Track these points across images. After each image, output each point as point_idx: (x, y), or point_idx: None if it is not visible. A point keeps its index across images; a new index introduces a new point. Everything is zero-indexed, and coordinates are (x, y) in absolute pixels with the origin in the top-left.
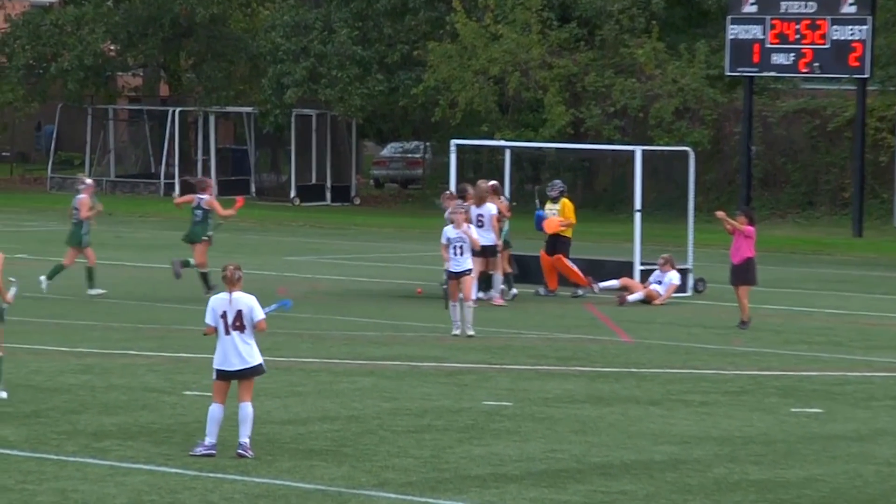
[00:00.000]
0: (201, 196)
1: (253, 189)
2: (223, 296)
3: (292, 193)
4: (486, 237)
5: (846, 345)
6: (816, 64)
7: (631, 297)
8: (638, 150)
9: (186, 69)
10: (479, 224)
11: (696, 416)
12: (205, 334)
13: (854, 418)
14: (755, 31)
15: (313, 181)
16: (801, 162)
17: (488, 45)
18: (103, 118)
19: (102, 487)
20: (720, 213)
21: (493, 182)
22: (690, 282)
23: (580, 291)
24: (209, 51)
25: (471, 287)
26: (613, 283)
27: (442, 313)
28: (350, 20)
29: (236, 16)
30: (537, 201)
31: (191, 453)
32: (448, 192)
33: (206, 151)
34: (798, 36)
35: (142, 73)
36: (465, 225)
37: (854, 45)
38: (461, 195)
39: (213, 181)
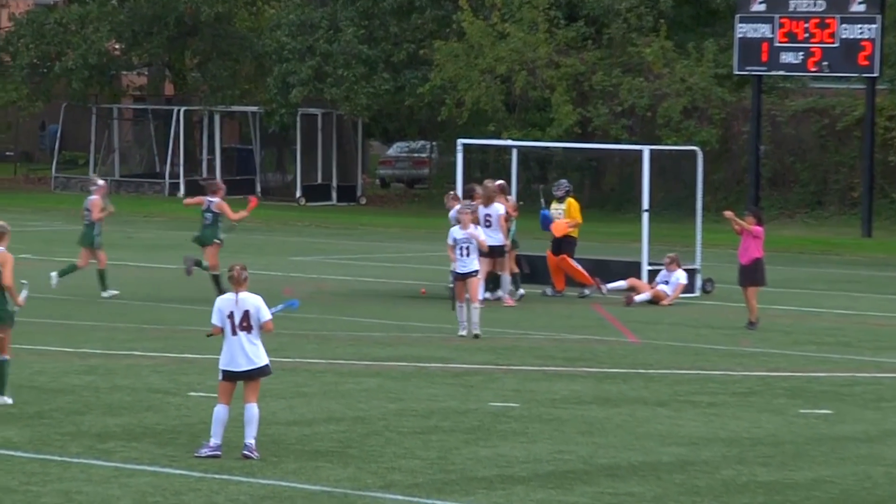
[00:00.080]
0: (211, 199)
1: (258, 189)
2: (229, 296)
3: (298, 193)
4: (493, 237)
5: (855, 345)
6: (825, 63)
7: (638, 298)
8: (646, 150)
9: (191, 68)
10: (487, 224)
11: (705, 417)
12: (208, 336)
13: (863, 419)
14: (764, 30)
15: (319, 181)
16: (809, 161)
17: (495, 43)
18: (108, 117)
19: (107, 489)
20: (728, 213)
21: (499, 181)
22: (698, 282)
23: (587, 291)
24: (214, 50)
25: (477, 288)
26: (621, 283)
27: (448, 314)
28: (356, 19)
29: (241, 14)
30: (542, 201)
31: (196, 454)
32: (452, 192)
33: (212, 151)
34: (807, 35)
35: (146, 72)
36: (471, 226)
37: (863, 43)
38: (469, 195)
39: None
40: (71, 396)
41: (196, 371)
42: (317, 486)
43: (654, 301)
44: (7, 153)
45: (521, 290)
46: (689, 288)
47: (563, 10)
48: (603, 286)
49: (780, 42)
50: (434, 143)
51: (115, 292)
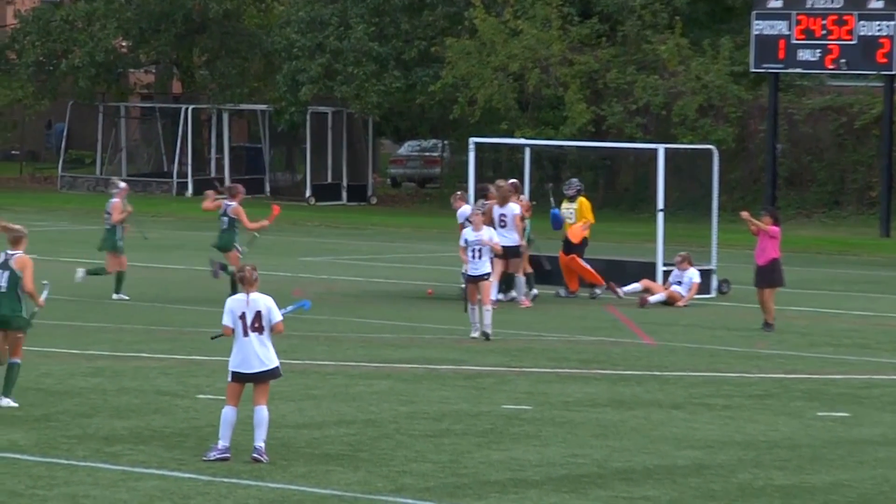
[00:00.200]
0: (229, 203)
1: (267, 188)
2: (241, 297)
3: (307, 193)
4: (508, 237)
5: (873, 347)
6: (843, 60)
7: (652, 299)
8: (661, 149)
9: (200, 66)
10: (502, 224)
11: (720, 420)
12: (212, 338)
13: (881, 422)
14: (780, 27)
15: (329, 180)
16: (827, 160)
17: (508, 40)
18: (115, 116)
19: (114, 493)
20: (745, 214)
21: (512, 180)
22: (714, 283)
23: (598, 291)
24: (223, 47)
25: (489, 291)
26: (636, 286)
27: (460, 315)
28: (366, 16)
29: (250, 11)
30: (552, 200)
31: (204, 458)
32: (458, 192)
33: (220, 150)
34: (824, 32)
35: (154, 70)
36: (483, 228)
37: (881, 40)
38: (482, 194)
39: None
40: (78, 399)
41: (204, 373)
42: (327, 490)
43: (669, 302)
44: (13, 152)
45: (535, 290)
46: (704, 289)
47: (577, 6)
48: (619, 290)
49: (798, 39)
50: (446, 142)
51: (126, 298)
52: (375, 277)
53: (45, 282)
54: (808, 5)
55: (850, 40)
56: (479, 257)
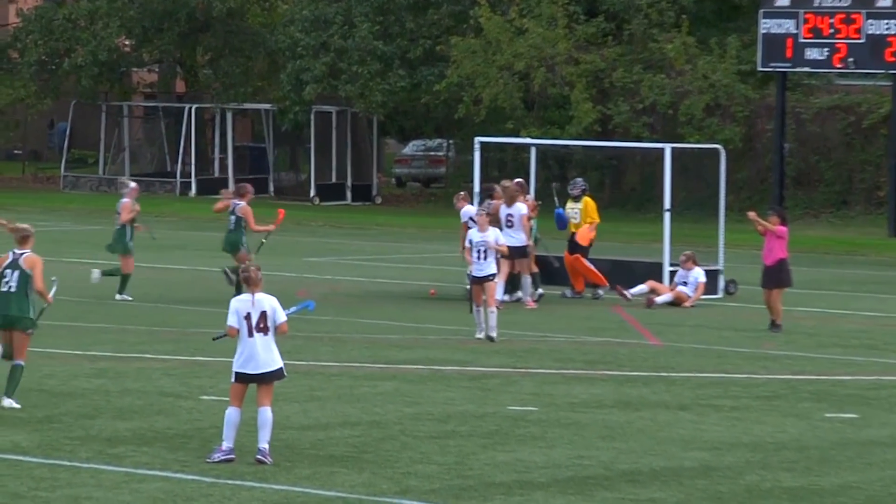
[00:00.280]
0: (237, 202)
1: (271, 188)
2: (246, 297)
3: (312, 192)
4: (516, 237)
5: (881, 348)
6: (851, 59)
7: (659, 299)
8: (667, 148)
9: (203, 65)
10: (510, 224)
11: (728, 421)
12: (214, 339)
13: (890, 423)
14: (788, 26)
15: (333, 180)
16: (835, 160)
17: (513, 39)
18: (118, 115)
19: (117, 495)
20: (752, 215)
21: (518, 180)
22: (721, 283)
23: (600, 292)
24: (226, 46)
25: (494, 292)
26: (642, 288)
27: (465, 316)
28: (371, 14)
29: (254, 10)
30: (556, 199)
31: (207, 459)
32: (462, 193)
33: (224, 149)
34: (832, 30)
35: (157, 69)
36: (488, 230)
37: (890, 39)
38: (488, 194)
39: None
40: (80, 400)
41: (208, 374)
42: (331, 492)
43: (676, 303)
44: (15, 152)
45: (540, 290)
46: (711, 289)
47: (583, 5)
48: (626, 292)
49: (805, 38)
50: (451, 142)
51: (129, 299)
52: (380, 278)
53: (53, 278)
54: (816, 4)
55: (858, 39)
56: (485, 258)
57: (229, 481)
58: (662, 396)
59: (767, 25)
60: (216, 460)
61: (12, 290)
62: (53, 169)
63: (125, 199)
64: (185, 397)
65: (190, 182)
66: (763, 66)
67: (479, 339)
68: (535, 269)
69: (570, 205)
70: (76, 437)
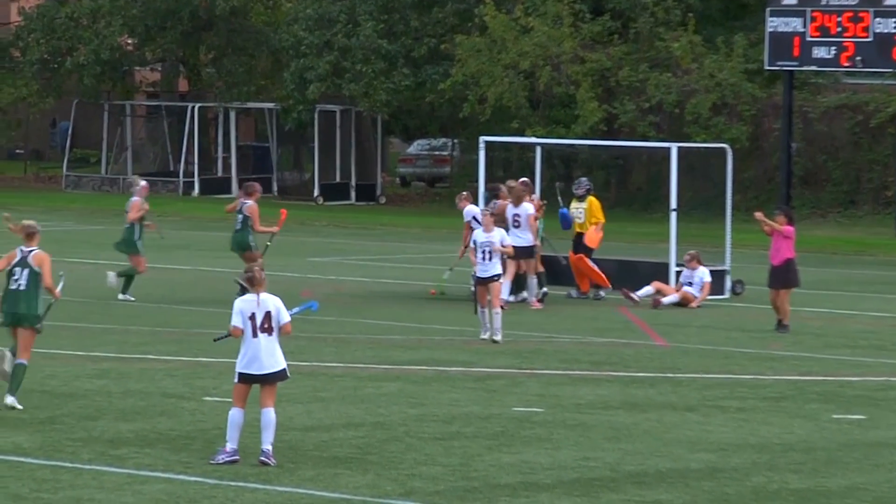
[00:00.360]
0: (245, 201)
1: (275, 188)
2: (250, 297)
3: (315, 192)
4: (522, 237)
5: (889, 349)
6: (858, 58)
7: (665, 300)
8: (674, 148)
9: (206, 64)
10: (516, 224)
11: (734, 422)
12: (215, 340)
13: None
14: (795, 24)
15: (337, 179)
16: (842, 159)
17: (518, 38)
18: (120, 114)
19: (119, 496)
20: (758, 215)
21: (523, 179)
22: (728, 284)
23: (602, 293)
24: (229, 45)
25: (499, 293)
26: (649, 289)
27: (470, 316)
28: (375, 13)
29: (257, 8)
30: (560, 199)
31: (211, 461)
32: (464, 193)
33: (227, 149)
34: (840, 29)
35: (160, 68)
36: (493, 230)
37: None
38: (494, 194)
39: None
40: (83, 401)
41: (211, 375)
42: (335, 494)
43: (683, 303)
44: (17, 151)
45: (545, 289)
46: (718, 290)
47: (589, 3)
48: (633, 295)
49: (812, 36)
50: (456, 141)
51: (132, 299)
52: (384, 278)
53: (60, 273)
54: (824, 2)
55: (866, 37)
56: (489, 259)
57: (232, 483)
58: (669, 397)
59: (774, 24)
60: (220, 462)
61: (22, 287)
62: (55, 168)
63: (135, 198)
64: (188, 398)
65: (193, 182)
66: (770, 65)
67: (483, 339)
68: (541, 269)
69: (574, 204)
70: (78, 438)
